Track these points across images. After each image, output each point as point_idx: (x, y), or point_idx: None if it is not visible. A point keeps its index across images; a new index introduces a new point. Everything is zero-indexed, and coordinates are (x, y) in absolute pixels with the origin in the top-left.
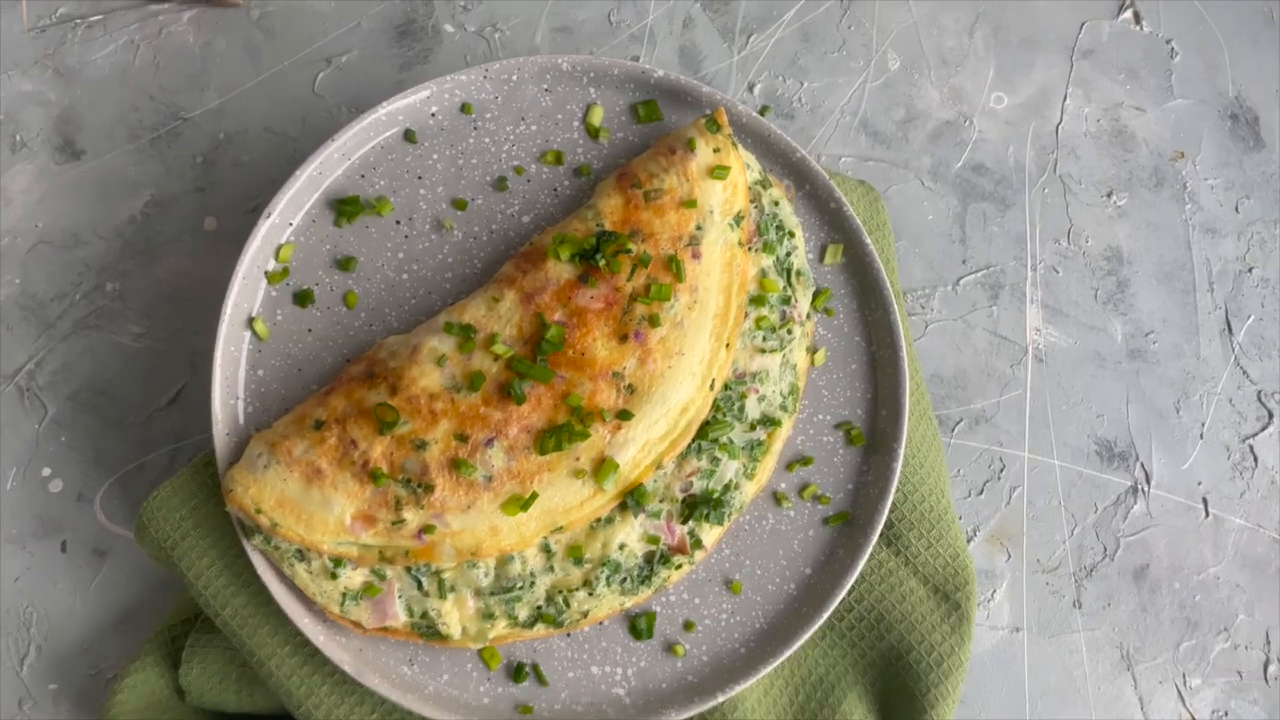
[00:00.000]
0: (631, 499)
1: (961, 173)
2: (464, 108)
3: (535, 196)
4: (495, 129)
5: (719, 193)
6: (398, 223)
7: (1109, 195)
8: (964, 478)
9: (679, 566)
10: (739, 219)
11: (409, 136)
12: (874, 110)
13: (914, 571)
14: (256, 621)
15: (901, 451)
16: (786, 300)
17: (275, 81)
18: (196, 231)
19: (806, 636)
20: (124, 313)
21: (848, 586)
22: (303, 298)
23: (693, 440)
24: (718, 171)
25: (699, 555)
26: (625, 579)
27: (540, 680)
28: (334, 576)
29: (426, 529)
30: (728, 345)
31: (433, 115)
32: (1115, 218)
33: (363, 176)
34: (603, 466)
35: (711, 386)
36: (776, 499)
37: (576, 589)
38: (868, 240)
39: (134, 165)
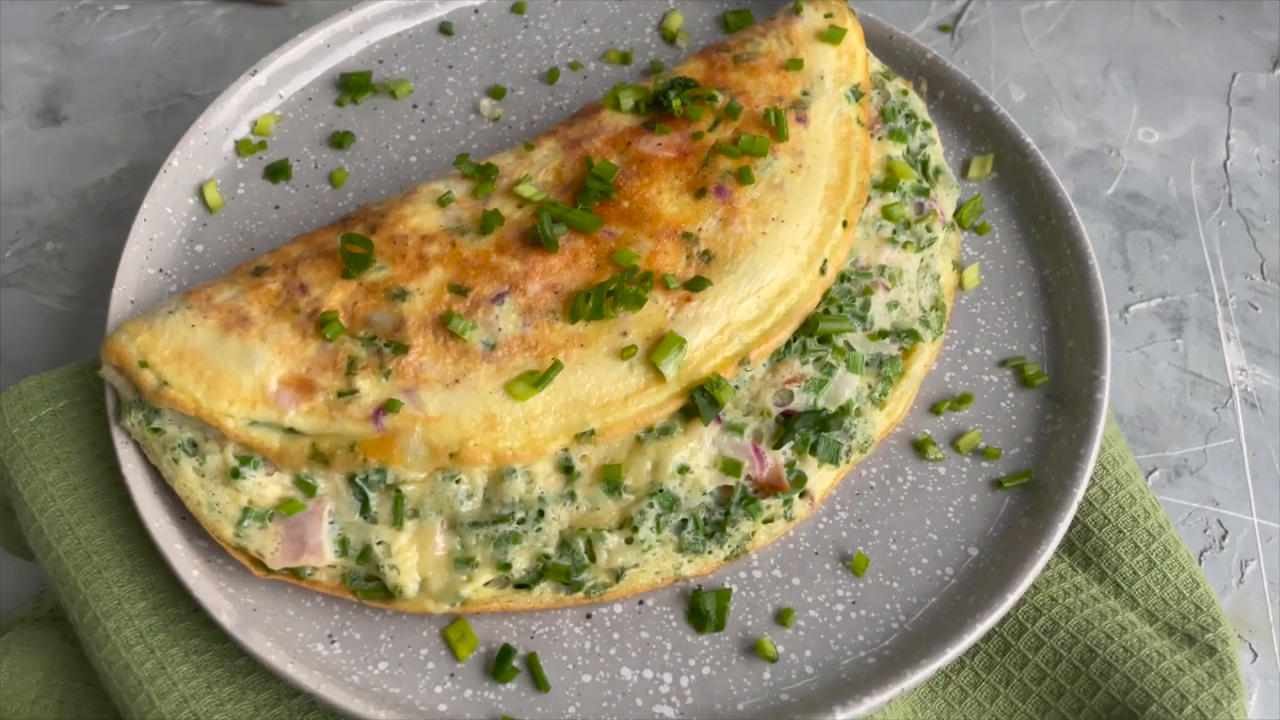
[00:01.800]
0: (703, 397)
1: (1114, 200)
2: (516, 7)
3: (591, 92)
4: (549, 28)
5: (831, 59)
6: (414, 106)
7: None
8: None
9: (769, 520)
10: (857, 92)
11: (444, 29)
12: None
13: (1129, 601)
14: (103, 561)
15: (1104, 395)
16: (923, 192)
17: None
18: None
19: (969, 643)
20: (58, 273)
21: (1035, 570)
22: (277, 171)
23: (795, 337)
24: (830, 33)
25: (802, 508)
26: (686, 524)
27: (537, 682)
28: (236, 476)
29: (388, 406)
30: (845, 224)
31: (476, 11)
32: None
33: (380, 61)
34: (662, 344)
35: (823, 270)
36: (918, 448)
37: (608, 531)
38: (1028, 140)
39: (118, 134)
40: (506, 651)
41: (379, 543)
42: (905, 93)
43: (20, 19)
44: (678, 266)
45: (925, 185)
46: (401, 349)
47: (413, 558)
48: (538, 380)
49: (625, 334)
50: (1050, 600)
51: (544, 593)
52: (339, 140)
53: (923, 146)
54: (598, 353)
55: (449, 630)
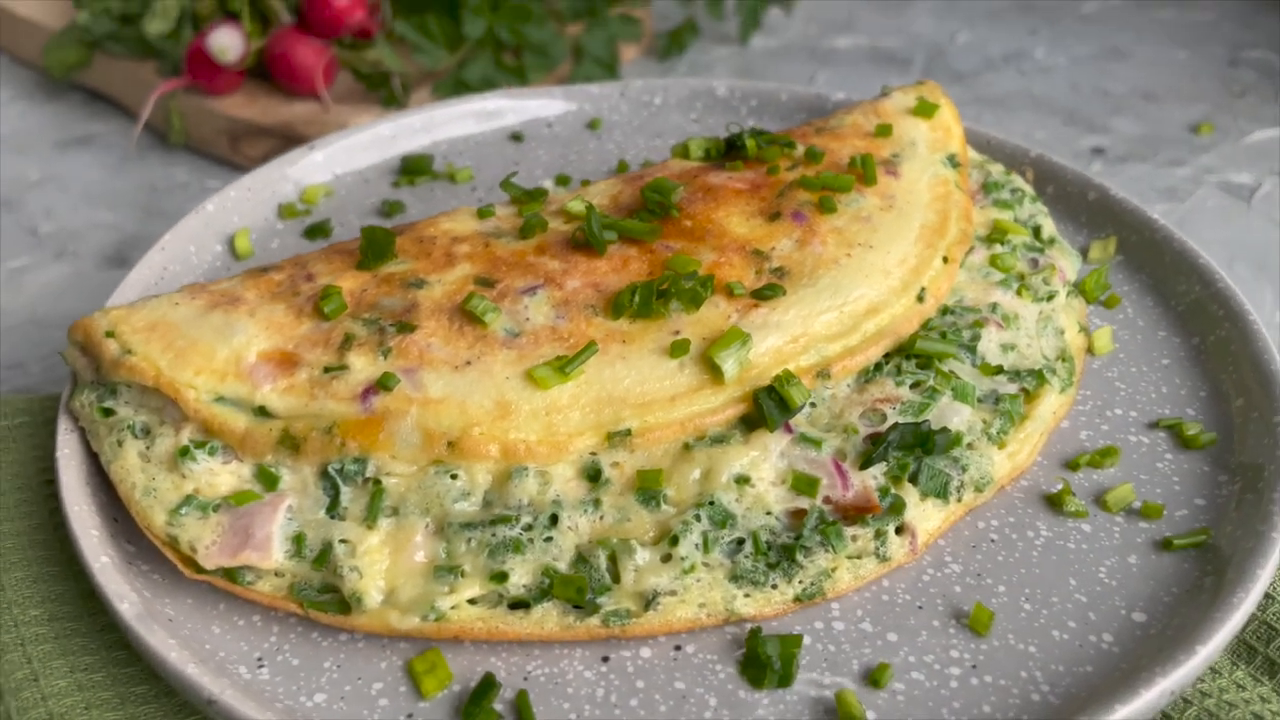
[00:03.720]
0: (770, 398)
1: None
2: (591, 123)
3: None
4: (623, 139)
5: (924, 130)
6: (474, 189)
7: None
8: None
9: (854, 556)
10: (954, 161)
11: (515, 137)
12: None
13: None
14: (6, 562)
15: None
16: (1036, 249)
17: None
18: None
19: (1144, 712)
20: None
21: (1223, 639)
22: (316, 230)
23: (889, 359)
24: (922, 107)
25: (900, 549)
26: (742, 545)
27: None
28: (184, 456)
29: (381, 382)
30: (946, 259)
31: (549, 125)
32: None
33: (444, 156)
34: (722, 338)
35: (921, 299)
36: (1053, 502)
37: (640, 544)
38: (1154, 216)
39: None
40: (488, 685)
41: (342, 541)
42: (1008, 173)
43: (115, 190)
44: (745, 278)
45: (1037, 244)
46: (408, 328)
47: (382, 562)
48: (565, 364)
49: (677, 333)
50: (1202, 694)
51: (546, 616)
52: (388, 210)
53: (1032, 216)
54: (642, 349)
55: (416, 661)
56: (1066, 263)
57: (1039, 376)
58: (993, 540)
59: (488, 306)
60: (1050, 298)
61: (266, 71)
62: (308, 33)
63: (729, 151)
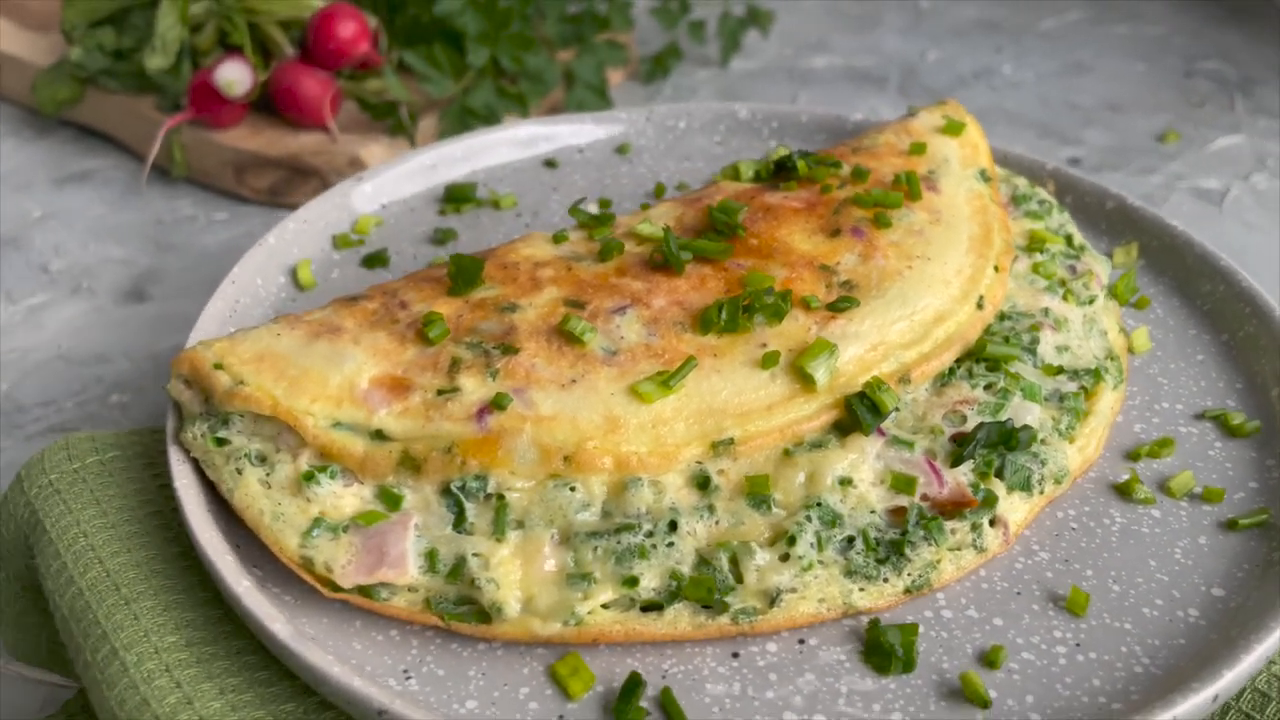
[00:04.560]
0: (863, 404)
1: None
2: (620, 148)
3: None
4: (653, 163)
5: (954, 147)
6: (518, 215)
7: None
8: None
9: (955, 549)
10: (984, 176)
11: (549, 163)
12: None
13: None
14: (133, 591)
15: None
16: (1073, 256)
17: None
18: None
19: (1236, 680)
20: (118, 421)
21: None
22: (374, 259)
23: (959, 364)
24: (950, 126)
25: (994, 540)
26: (853, 543)
27: None
28: (309, 481)
29: (495, 403)
30: (997, 268)
31: (580, 151)
32: None
33: (484, 184)
34: (810, 348)
35: (980, 305)
36: (1121, 491)
37: (757, 547)
38: (1173, 223)
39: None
40: (634, 684)
41: (475, 554)
42: (1033, 185)
43: (121, 225)
44: (818, 292)
45: (1072, 251)
46: (512, 350)
47: (515, 572)
48: (668, 379)
49: (764, 345)
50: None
51: (679, 617)
52: (442, 238)
53: (1062, 225)
54: (734, 361)
55: (558, 665)
56: (1100, 268)
57: (1095, 374)
58: (1073, 528)
59: (585, 327)
60: (1091, 301)
61: (270, 104)
62: (311, 64)
63: (778, 172)
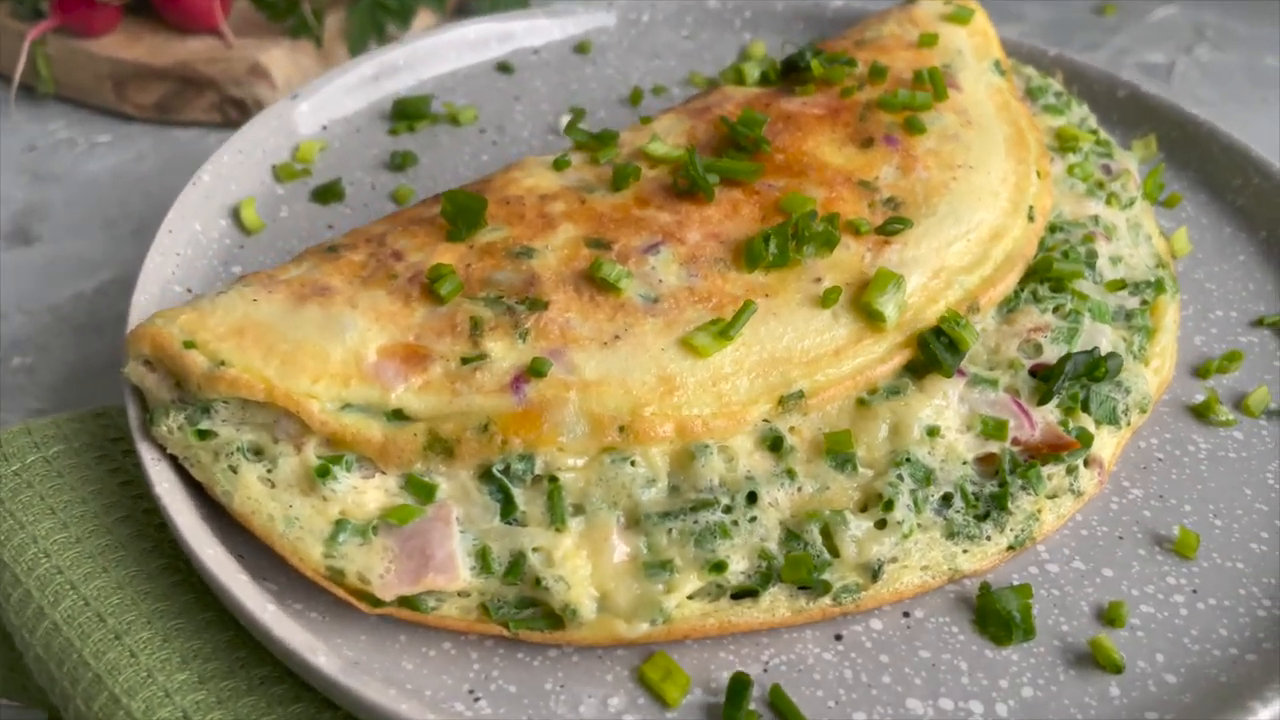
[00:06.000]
0: (940, 341)
1: None
2: (579, 46)
3: None
4: (620, 63)
5: (963, 36)
6: (482, 131)
7: None
8: None
9: (1052, 495)
10: (999, 68)
11: (503, 67)
12: None
13: None
14: (121, 624)
15: None
16: (1105, 154)
17: None
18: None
19: None
20: (25, 387)
21: None
22: (327, 193)
23: (1024, 286)
24: (958, 14)
25: (1089, 481)
26: (950, 501)
27: None
28: (324, 477)
29: (532, 369)
30: (1039, 174)
31: (535, 52)
32: None
33: (434, 96)
34: (874, 281)
35: (1031, 218)
36: (1198, 413)
37: (851, 515)
38: (1194, 112)
39: (100, 250)
40: (741, 685)
41: (535, 549)
42: (1045, 76)
43: None
44: (863, 214)
45: (1103, 149)
46: (539, 304)
47: (584, 567)
48: (725, 328)
49: (819, 280)
50: None
51: (776, 602)
52: (400, 162)
53: (1084, 120)
54: (789, 302)
55: (646, 668)
56: (1132, 165)
57: (1157, 286)
58: (1159, 459)
59: (621, 273)
60: (1132, 203)
61: (149, 6)
62: None
63: (787, 73)
